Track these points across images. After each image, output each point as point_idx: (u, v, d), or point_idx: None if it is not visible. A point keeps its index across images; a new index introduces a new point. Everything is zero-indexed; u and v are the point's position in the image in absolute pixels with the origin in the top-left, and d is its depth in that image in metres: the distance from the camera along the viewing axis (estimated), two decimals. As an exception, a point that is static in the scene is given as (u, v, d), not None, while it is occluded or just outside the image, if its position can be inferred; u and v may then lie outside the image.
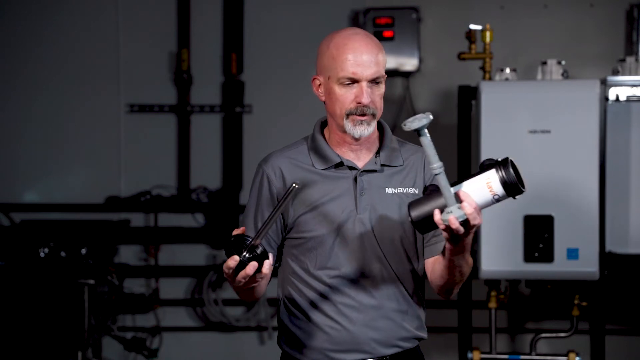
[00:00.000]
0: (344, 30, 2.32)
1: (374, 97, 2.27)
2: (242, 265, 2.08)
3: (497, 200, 2.07)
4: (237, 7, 5.22)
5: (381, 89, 2.30)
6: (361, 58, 2.26)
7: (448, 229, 2.05)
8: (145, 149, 5.25)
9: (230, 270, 2.10)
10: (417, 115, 2.03)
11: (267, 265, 2.11)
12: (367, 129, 2.28)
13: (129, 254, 5.23)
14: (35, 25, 5.23)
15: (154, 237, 5.20)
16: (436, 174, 2.05)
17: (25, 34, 5.23)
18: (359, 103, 2.26)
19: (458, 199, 2.05)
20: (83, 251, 4.68)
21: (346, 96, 2.27)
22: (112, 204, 5.21)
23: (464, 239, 2.10)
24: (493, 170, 2.06)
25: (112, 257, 5.08)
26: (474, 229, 2.08)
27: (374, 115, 2.28)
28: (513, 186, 2.05)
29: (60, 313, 4.45)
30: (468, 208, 2.03)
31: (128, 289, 5.13)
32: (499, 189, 2.06)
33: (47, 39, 5.23)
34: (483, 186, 2.06)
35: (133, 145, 5.25)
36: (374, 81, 2.27)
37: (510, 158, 2.07)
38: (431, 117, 2.03)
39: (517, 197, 2.08)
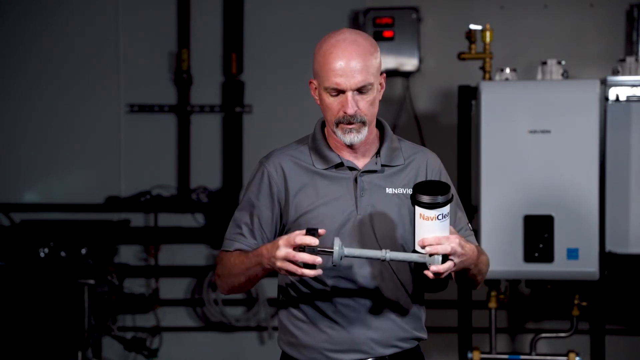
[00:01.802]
0: (333, 35, 2.28)
1: (361, 104, 2.25)
2: (311, 251, 2.08)
3: (444, 215, 2.13)
4: (237, 7, 5.22)
5: (370, 95, 2.26)
6: (346, 67, 2.22)
7: (444, 273, 2.13)
8: (145, 149, 5.25)
9: (301, 242, 2.08)
10: (332, 251, 2.10)
11: (313, 273, 2.12)
12: (356, 136, 2.27)
13: (129, 254, 5.23)
14: (35, 25, 5.23)
15: (154, 237, 5.20)
16: (388, 259, 2.13)
17: (25, 34, 5.23)
18: (345, 112, 2.25)
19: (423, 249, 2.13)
20: (83, 251, 4.68)
21: (333, 105, 2.26)
22: (112, 204, 5.21)
23: (464, 260, 2.17)
24: (416, 207, 2.13)
25: (112, 257, 5.08)
26: (457, 252, 2.13)
27: (363, 123, 2.27)
28: (436, 201, 2.11)
29: (60, 313, 4.45)
30: (433, 248, 2.10)
31: (128, 289, 5.13)
32: (433, 212, 2.12)
33: (47, 39, 5.23)
34: (423, 222, 2.13)
35: (133, 145, 5.25)
36: (361, 89, 2.25)
37: (415, 184, 2.17)
38: (338, 240, 2.09)
39: (451, 194, 2.14)
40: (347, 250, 2.12)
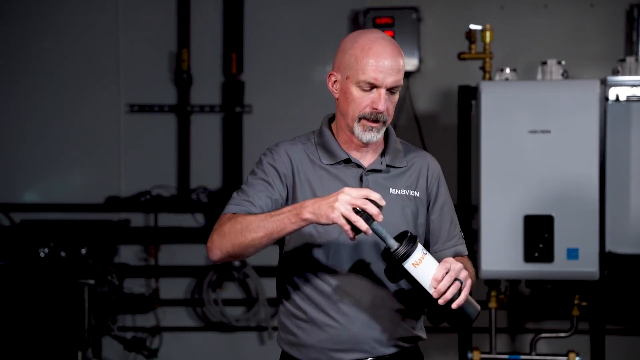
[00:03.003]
0: (370, 32, 2.30)
1: (388, 104, 2.28)
2: (367, 218, 2.05)
3: (423, 248, 2.14)
4: (237, 7, 5.22)
5: (396, 97, 2.30)
6: (384, 64, 2.25)
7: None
8: (145, 149, 5.25)
9: (369, 210, 2.04)
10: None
11: (352, 235, 2.07)
12: (375, 136, 2.30)
13: (129, 254, 5.23)
14: (35, 25, 5.23)
15: (154, 237, 5.20)
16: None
17: (25, 33, 5.23)
18: (375, 109, 2.26)
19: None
20: (83, 251, 4.68)
21: (362, 100, 2.27)
22: (112, 204, 5.21)
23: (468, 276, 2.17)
24: (403, 264, 2.11)
25: (112, 257, 5.08)
26: (463, 275, 2.15)
27: (384, 123, 2.29)
28: (413, 240, 2.12)
29: (60, 313, 4.45)
30: (452, 278, 2.11)
31: (128, 289, 5.13)
32: (419, 252, 2.12)
33: (47, 39, 5.23)
34: (420, 267, 2.12)
35: (133, 145, 5.25)
36: (392, 89, 2.27)
37: (382, 253, 2.17)
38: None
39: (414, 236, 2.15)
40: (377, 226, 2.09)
